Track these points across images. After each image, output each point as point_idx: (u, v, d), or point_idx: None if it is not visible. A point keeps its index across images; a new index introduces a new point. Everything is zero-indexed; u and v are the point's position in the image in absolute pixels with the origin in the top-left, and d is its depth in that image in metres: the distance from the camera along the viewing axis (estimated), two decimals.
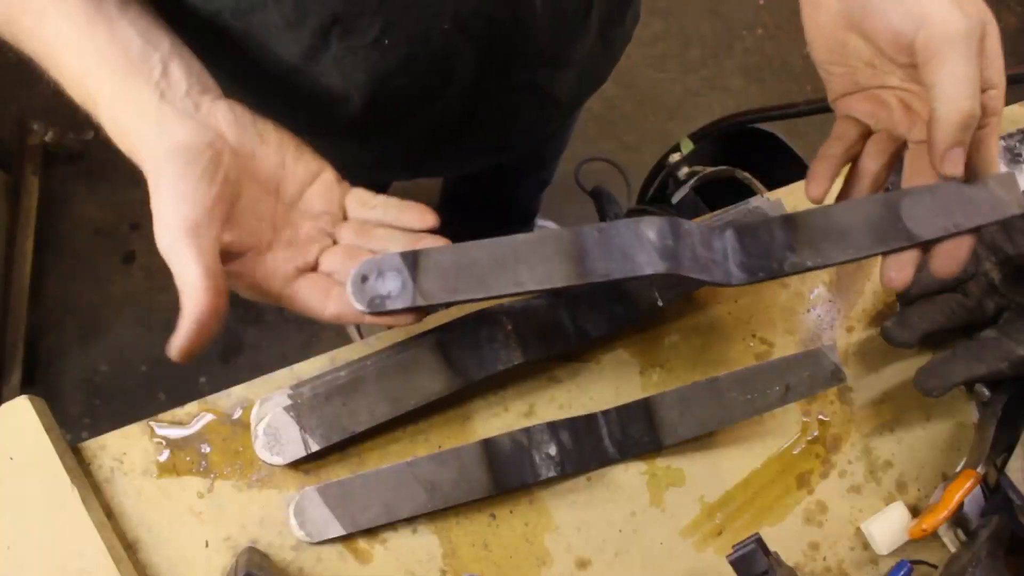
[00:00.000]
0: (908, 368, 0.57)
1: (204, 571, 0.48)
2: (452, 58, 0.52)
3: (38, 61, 0.40)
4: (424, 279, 0.39)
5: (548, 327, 0.51)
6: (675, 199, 1.00)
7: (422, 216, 0.43)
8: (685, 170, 1.01)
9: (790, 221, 0.42)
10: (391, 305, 0.39)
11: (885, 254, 0.43)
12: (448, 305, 0.41)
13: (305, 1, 0.44)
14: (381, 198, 0.44)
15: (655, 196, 1.08)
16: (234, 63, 0.50)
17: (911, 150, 0.44)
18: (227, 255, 0.38)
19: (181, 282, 0.35)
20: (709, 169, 0.98)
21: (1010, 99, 0.69)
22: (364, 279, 0.39)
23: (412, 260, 0.39)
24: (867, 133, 0.46)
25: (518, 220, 1.34)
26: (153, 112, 0.37)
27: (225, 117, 0.39)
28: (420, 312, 0.41)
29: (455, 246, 0.40)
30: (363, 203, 0.44)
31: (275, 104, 0.57)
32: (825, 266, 0.42)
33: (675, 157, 1.03)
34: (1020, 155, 0.65)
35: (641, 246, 0.40)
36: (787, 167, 0.96)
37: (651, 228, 0.40)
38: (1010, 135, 0.65)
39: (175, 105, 0.38)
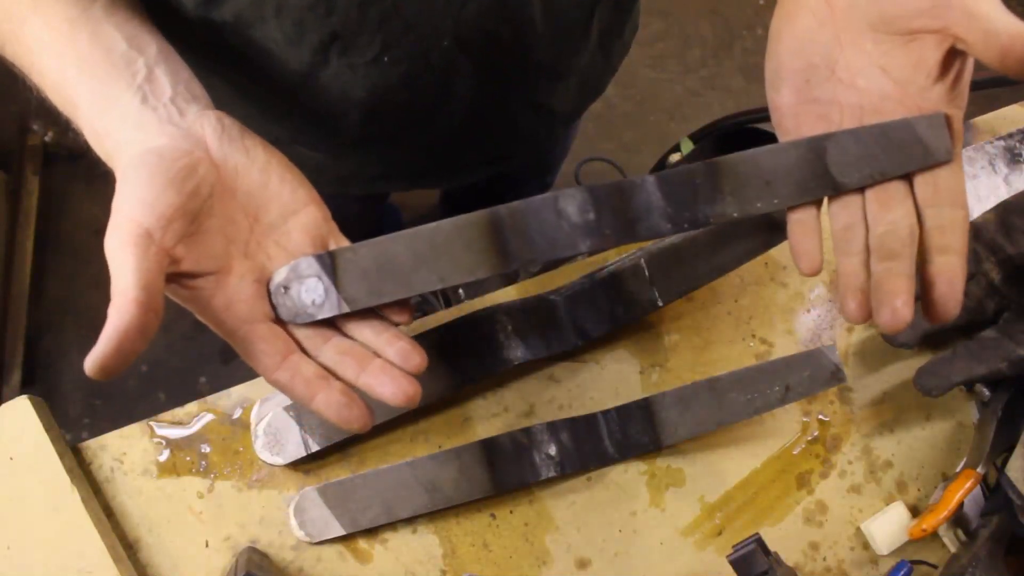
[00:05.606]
0: (908, 368, 0.57)
1: (204, 571, 0.48)
2: (452, 74, 0.52)
3: (19, 67, 0.39)
4: (346, 283, 0.37)
5: (548, 327, 0.51)
6: None
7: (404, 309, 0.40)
8: None
9: (713, 168, 0.40)
10: (319, 315, 0.37)
11: (812, 203, 0.41)
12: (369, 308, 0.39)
13: (305, 18, 0.44)
14: None
15: None
16: (233, 76, 0.49)
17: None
18: (184, 274, 0.36)
19: (115, 291, 0.32)
20: None
21: (1010, 99, 0.69)
22: (285, 288, 0.37)
23: (330, 263, 0.38)
24: None
25: None
26: (133, 116, 0.36)
27: (211, 127, 0.37)
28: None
29: (370, 243, 0.38)
30: None
31: (273, 116, 0.57)
32: (748, 215, 0.41)
33: (675, 157, 1.03)
34: (1020, 155, 0.65)
35: (559, 226, 0.39)
36: None
37: (571, 203, 0.39)
38: (1010, 135, 0.65)
39: (157, 111, 0.36)
